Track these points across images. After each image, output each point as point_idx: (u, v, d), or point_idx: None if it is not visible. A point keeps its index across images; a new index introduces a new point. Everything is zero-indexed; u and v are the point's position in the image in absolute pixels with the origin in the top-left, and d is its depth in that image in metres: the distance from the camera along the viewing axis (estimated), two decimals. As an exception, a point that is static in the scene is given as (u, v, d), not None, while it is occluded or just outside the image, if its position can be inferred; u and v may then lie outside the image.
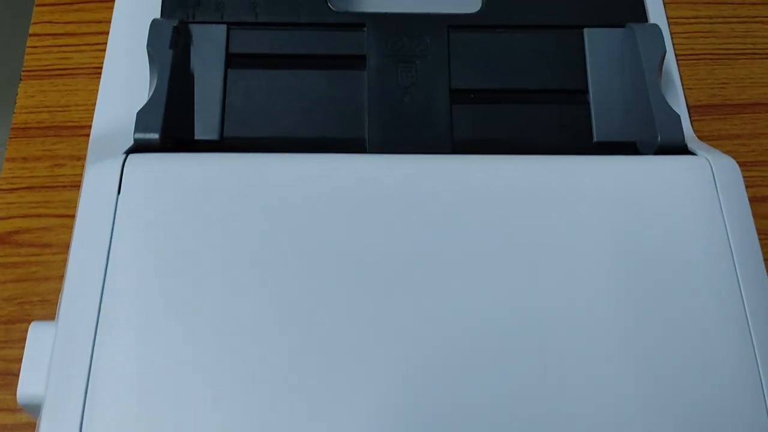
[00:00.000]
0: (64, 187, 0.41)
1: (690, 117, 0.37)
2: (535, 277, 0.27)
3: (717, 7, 0.49)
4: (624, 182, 0.28)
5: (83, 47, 0.46)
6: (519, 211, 0.28)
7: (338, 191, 0.28)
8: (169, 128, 0.30)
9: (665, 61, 0.33)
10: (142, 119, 0.30)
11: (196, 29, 0.34)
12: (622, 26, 0.34)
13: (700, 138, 0.37)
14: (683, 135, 0.31)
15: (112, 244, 0.27)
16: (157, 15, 0.34)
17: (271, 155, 0.29)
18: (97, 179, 0.28)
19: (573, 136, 0.33)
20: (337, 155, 0.30)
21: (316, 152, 0.31)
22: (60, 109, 0.44)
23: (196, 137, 0.32)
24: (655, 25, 0.34)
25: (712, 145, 0.43)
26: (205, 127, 0.32)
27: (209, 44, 0.33)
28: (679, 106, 0.34)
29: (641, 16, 0.35)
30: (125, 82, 0.35)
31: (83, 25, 0.47)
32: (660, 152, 0.31)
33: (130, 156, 0.29)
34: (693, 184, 0.28)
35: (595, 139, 0.33)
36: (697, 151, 0.30)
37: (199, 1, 0.34)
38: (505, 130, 0.33)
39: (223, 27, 0.34)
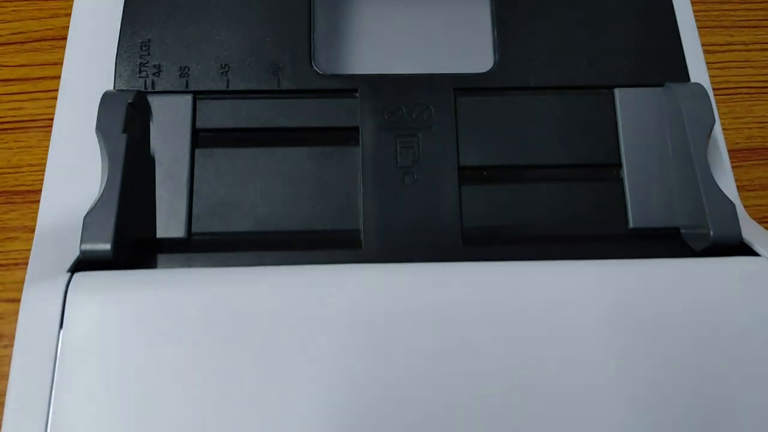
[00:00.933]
0: (17, 265, 0.36)
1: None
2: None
3: (753, 32, 0.43)
4: (678, 302, 0.23)
5: (37, 95, 0.40)
6: (551, 342, 0.23)
7: (323, 323, 0.23)
8: (125, 231, 0.25)
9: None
10: (91, 227, 0.25)
11: (156, 101, 0.28)
12: (660, 85, 0.29)
13: (739, 188, 0.32)
14: (740, 229, 0.26)
15: (54, 393, 0.22)
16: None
17: (246, 270, 0.24)
18: (36, 309, 0.23)
19: (605, 222, 0.28)
20: (323, 268, 0.24)
21: (301, 249, 0.26)
22: (11, 170, 0.38)
23: (159, 235, 0.27)
24: (699, 86, 0.28)
25: (753, 197, 0.37)
26: (169, 222, 0.27)
27: (172, 119, 0.28)
28: (727, 181, 0.29)
29: (681, 72, 0.29)
30: (79, 150, 0.29)
31: (37, 69, 0.41)
32: (711, 249, 0.26)
33: (76, 276, 0.24)
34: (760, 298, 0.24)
35: (631, 225, 0.28)
36: (756, 246, 0.25)
37: (160, 67, 0.29)
38: (523, 215, 0.28)
39: (189, 97, 0.28)
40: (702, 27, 0.43)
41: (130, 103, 0.27)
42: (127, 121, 0.26)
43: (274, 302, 0.23)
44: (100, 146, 0.26)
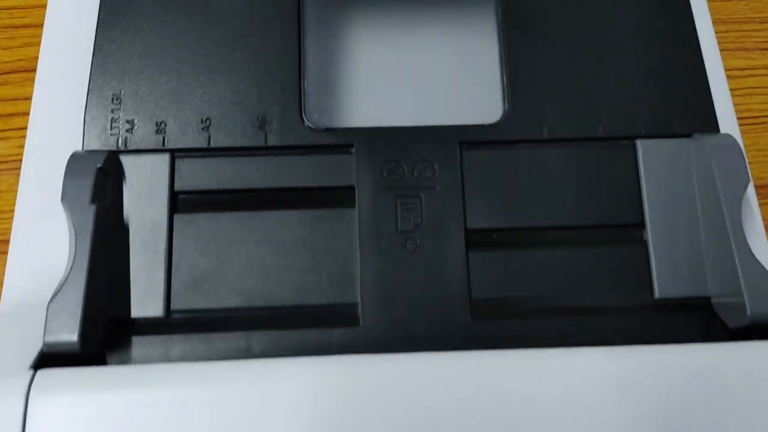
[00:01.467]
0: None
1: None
2: None
3: (776, 55, 0.40)
4: (715, 404, 0.21)
5: (8, 133, 0.37)
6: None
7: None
8: (95, 315, 0.23)
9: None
10: (55, 316, 0.22)
11: (129, 161, 0.25)
12: (687, 135, 0.26)
13: (766, 227, 0.29)
14: (780, 308, 0.23)
15: None
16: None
17: (224, 366, 0.22)
18: (-6, 412, 0.21)
19: (627, 291, 0.25)
20: (316, 359, 0.22)
21: (292, 329, 0.24)
22: (-20, 218, 0.35)
23: (134, 315, 0.24)
24: (731, 139, 0.26)
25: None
26: (145, 299, 0.24)
27: (148, 181, 0.25)
28: (762, 243, 0.26)
29: (709, 121, 0.27)
30: (47, 217, 0.26)
31: (7, 104, 0.38)
32: (748, 329, 0.23)
33: (39, 374, 0.21)
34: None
35: (656, 295, 0.25)
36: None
37: (133, 122, 0.26)
38: (537, 284, 0.25)
39: (166, 156, 0.26)
40: (721, 50, 0.40)
41: (99, 168, 0.24)
42: (95, 190, 0.24)
43: (254, 409, 0.20)
44: (66, 218, 0.24)
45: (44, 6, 0.31)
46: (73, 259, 0.23)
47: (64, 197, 0.24)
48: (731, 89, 0.38)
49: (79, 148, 0.25)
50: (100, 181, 0.24)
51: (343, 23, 0.27)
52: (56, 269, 0.24)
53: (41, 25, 0.31)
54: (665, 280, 0.25)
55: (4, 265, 0.27)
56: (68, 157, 0.25)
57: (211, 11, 0.27)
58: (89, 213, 0.23)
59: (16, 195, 0.35)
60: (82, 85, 0.26)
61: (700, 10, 0.28)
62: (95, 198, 0.24)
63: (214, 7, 0.27)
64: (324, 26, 0.27)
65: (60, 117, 0.26)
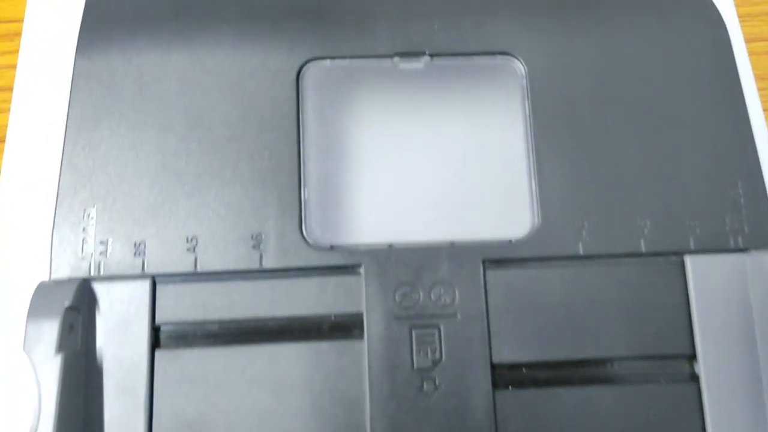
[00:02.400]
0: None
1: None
2: None
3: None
4: None
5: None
6: None
7: None
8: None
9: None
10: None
11: (104, 289, 0.22)
12: (743, 250, 0.23)
13: None
14: None
15: None
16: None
17: None
18: None
19: (677, 434, 0.22)
20: None
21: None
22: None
23: (109, 473, 0.21)
24: (795, 257, 0.22)
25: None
26: (122, 455, 0.21)
27: (125, 312, 0.22)
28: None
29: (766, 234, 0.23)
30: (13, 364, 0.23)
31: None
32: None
33: None
34: None
35: (711, 441, 0.22)
36: None
37: (108, 243, 0.22)
38: (573, 426, 0.22)
39: (146, 283, 0.22)
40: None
41: (67, 308, 0.21)
42: (62, 336, 0.20)
43: None
44: (31, 368, 0.20)
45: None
46: (38, 416, 0.20)
47: (27, 345, 0.20)
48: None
49: (46, 274, 0.22)
50: (68, 323, 0.21)
51: (348, 125, 0.24)
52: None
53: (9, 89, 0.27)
54: (720, 425, 0.22)
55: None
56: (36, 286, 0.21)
57: (197, 110, 0.23)
58: (55, 363, 0.20)
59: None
60: (48, 203, 0.22)
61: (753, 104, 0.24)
62: (62, 346, 0.20)
63: (200, 105, 0.23)
64: (326, 128, 0.24)
65: (25, 236, 0.23)
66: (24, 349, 0.20)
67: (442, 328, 0.22)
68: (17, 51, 0.29)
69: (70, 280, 0.22)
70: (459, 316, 0.22)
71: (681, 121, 0.24)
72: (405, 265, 0.23)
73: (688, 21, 0.25)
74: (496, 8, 0.25)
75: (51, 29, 0.27)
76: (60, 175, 0.23)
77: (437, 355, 0.22)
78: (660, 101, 0.24)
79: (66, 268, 0.22)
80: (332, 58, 0.24)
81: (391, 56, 0.24)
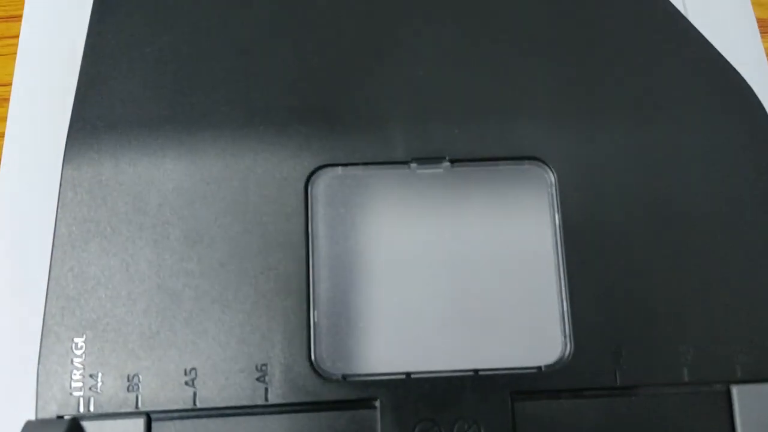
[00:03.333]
0: None
1: None
2: None
3: None
4: None
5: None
6: None
7: None
8: None
9: None
10: None
11: (94, 428, 0.20)
12: (797, 378, 0.21)
13: None
14: None
15: None
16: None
17: None
18: None
19: None
20: None
21: None
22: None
23: None
24: None
25: None
26: None
27: (117, 454, 0.20)
28: None
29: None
30: None
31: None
32: None
33: None
34: None
35: None
36: None
37: (98, 377, 0.20)
38: None
39: (140, 421, 0.20)
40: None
41: (52, 459, 0.19)
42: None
43: None
44: None
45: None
46: None
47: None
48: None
49: (32, 412, 0.20)
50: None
51: (362, 239, 0.22)
52: None
53: None
54: None
55: None
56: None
57: (195, 224, 0.21)
58: None
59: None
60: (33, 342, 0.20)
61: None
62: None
63: (199, 219, 0.21)
64: (337, 243, 0.22)
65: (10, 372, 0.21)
66: None
67: (466, 471, 0.20)
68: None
69: (58, 420, 0.20)
70: (485, 456, 0.20)
71: (726, 235, 0.22)
72: (425, 398, 0.21)
73: (730, 118, 0.23)
74: (522, 110, 0.23)
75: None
76: (46, 301, 0.21)
77: (461, 501, 0.20)
78: (701, 212, 0.22)
79: (53, 405, 0.20)
80: (344, 165, 0.22)
81: (408, 162, 0.22)
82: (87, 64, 0.23)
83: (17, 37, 0.29)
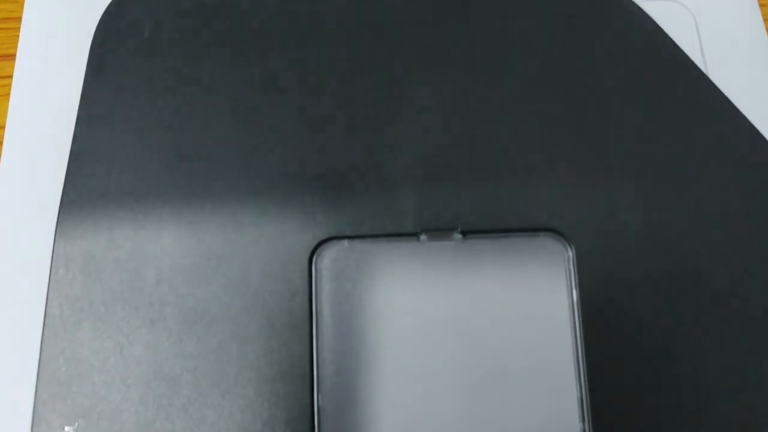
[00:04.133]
0: None
1: None
2: None
3: None
4: None
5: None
6: None
7: None
8: None
9: None
10: None
11: None
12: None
13: None
14: None
15: None
16: None
17: None
18: None
19: None
20: None
21: None
22: None
23: None
24: None
25: None
26: None
27: None
28: None
29: None
30: None
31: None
32: None
33: None
34: None
35: None
36: None
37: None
38: None
39: None
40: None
41: None
42: None
43: None
44: None
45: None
46: None
47: None
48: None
49: None
50: None
51: (368, 315, 0.21)
52: None
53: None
54: None
55: None
56: None
57: (193, 303, 0.20)
58: None
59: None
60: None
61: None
62: None
63: (197, 297, 0.20)
64: (343, 321, 0.21)
65: None
66: None
67: None
68: None
69: None
70: None
71: (755, 316, 0.21)
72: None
73: (757, 186, 0.22)
74: (538, 178, 0.22)
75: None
76: (36, 386, 0.20)
77: None
78: (729, 291, 0.21)
79: None
80: (350, 237, 0.21)
81: (417, 234, 0.21)
82: (80, 130, 0.22)
83: (11, 77, 0.28)
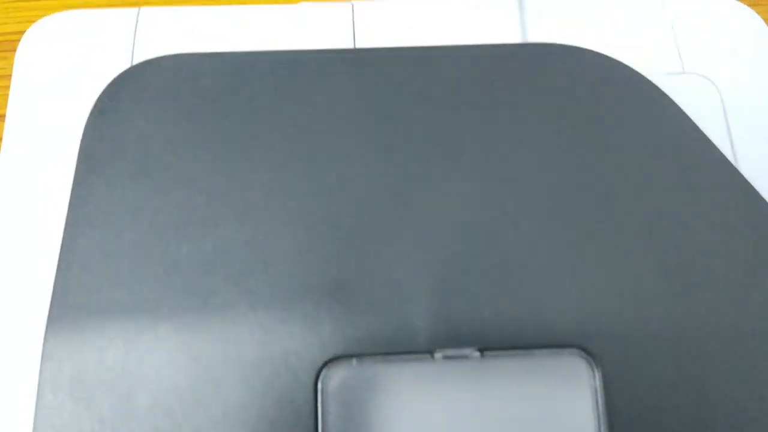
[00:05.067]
0: None
1: None
2: None
3: None
4: None
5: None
6: None
7: None
8: None
9: None
10: None
11: None
12: None
13: None
14: None
15: None
16: None
17: None
18: None
19: None
20: None
21: None
22: None
23: None
24: None
25: None
26: None
27: None
28: None
29: None
30: None
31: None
32: None
33: None
34: None
35: None
36: None
37: None
38: None
39: None
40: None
41: None
42: None
43: None
44: None
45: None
46: None
47: None
48: None
49: None
50: None
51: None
52: None
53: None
54: None
55: None
56: None
57: (186, 425, 0.19)
58: None
59: None
60: None
61: None
62: None
63: (191, 419, 0.19)
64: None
65: None
66: None
67: None
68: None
69: None
70: None
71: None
72: None
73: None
74: (561, 291, 0.20)
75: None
76: None
77: None
78: (765, 410, 0.19)
79: None
80: (359, 356, 0.20)
81: (431, 352, 0.20)
82: (68, 237, 0.20)
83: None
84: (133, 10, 0.26)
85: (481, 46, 0.22)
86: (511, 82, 0.22)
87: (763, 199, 0.21)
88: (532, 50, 0.22)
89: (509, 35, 0.25)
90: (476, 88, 0.22)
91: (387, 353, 0.20)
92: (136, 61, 0.25)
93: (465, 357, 0.20)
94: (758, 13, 0.28)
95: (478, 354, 0.20)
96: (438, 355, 0.20)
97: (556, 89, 0.22)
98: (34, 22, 0.27)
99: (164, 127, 0.21)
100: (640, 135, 0.21)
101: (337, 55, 0.22)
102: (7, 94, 0.27)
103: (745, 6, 0.28)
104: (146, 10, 0.26)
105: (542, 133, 0.21)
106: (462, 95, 0.22)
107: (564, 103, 0.22)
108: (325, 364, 0.19)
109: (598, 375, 0.19)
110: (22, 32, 0.27)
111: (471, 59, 0.22)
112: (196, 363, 0.19)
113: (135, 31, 0.25)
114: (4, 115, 0.27)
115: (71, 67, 0.24)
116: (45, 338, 0.19)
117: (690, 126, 0.22)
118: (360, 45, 0.26)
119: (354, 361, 0.20)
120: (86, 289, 0.20)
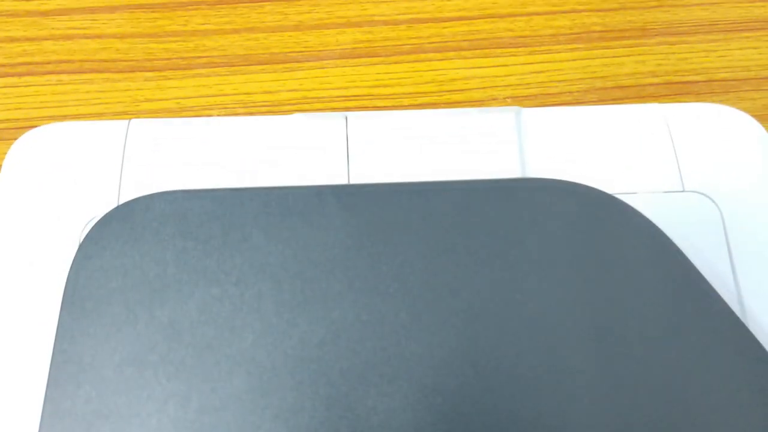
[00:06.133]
0: None
1: None
2: None
3: None
4: None
5: None
6: None
7: None
8: None
9: None
10: None
11: None
12: None
13: None
14: None
15: None
16: None
17: None
18: None
19: None
20: None
21: None
22: None
23: None
24: None
25: None
26: None
27: None
28: None
29: None
30: None
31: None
32: None
33: None
34: None
35: None
36: None
37: None
38: None
39: None
40: None
41: None
42: None
43: None
44: None
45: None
46: None
47: None
48: None
49: None
50: None
51: None
52: None
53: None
54: None
55: None
56: None
57: None
58: None
59: None
60: None
61: None
62: None
63: None
64: None
65: None
66: None
67: None
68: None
69: None
70: None
71: None
72: None
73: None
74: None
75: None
76: None
77: None
78: None
79: None
80: None
81: None
82: (52, 391, 0.20)
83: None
84: (123, 122, 0.25)
85: (473, 182, 0.22)
86: (505, 219, 0.21)
87: (763, 349, 0.21)
88: (527, 185, 0.22)
89: (509, 165, 0.24)
90: (469, 227, 0.21)
91: None
92: (125, 176, 0.25)
93: None
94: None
95: None
96: None
97: (551, 228, 0.21)
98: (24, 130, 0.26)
99: (150, 274, 0.20)
100: (634, 276, 0.21)
101: (329, 191, 0.21)
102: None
103: (745, 113, 0.27)
104: (137, 122, 0.25)
105: (539, 274, 0.21)
106: (456, 234, 0.21)
107: (559, 242, 0.21)
108: None
109: None
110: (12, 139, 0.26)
111: (463, 194, 0.21)
112: None
113: (125, 145, 0.25)
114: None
115: (60, 183, 0.24)
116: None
117: (688, 266, 0.21)
118: (354, 156, 0.25)
119: None
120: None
